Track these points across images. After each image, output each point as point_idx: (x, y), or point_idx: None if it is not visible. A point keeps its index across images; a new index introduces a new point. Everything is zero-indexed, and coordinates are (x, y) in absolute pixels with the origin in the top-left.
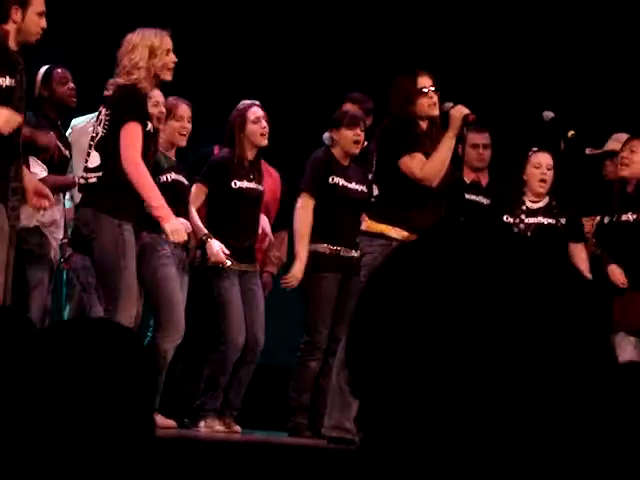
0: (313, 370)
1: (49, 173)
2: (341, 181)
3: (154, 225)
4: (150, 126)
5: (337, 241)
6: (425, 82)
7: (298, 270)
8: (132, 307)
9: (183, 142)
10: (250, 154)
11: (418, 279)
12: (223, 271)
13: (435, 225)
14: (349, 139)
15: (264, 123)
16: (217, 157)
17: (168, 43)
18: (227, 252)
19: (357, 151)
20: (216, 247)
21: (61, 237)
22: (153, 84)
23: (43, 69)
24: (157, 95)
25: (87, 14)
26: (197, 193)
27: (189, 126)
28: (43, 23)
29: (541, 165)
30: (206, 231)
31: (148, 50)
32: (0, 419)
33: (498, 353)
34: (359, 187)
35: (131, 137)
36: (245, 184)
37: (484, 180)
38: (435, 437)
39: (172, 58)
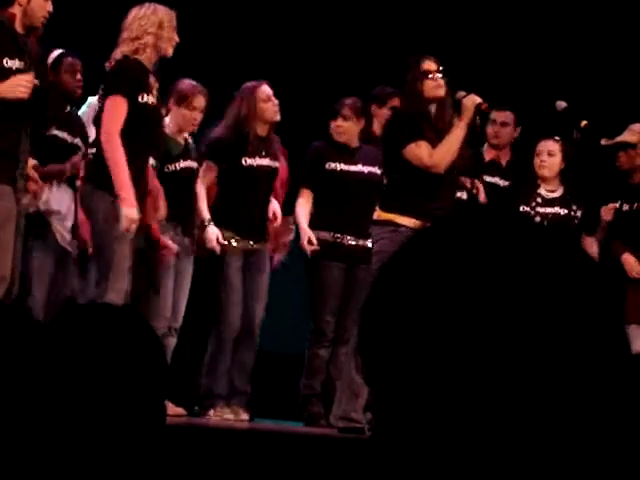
0: (322, 358)
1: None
2: (340, 166)
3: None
4: (148, 98)
5: (340, 229)
6: (430, 66)
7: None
8: (122, 283)
9: (191, 130)
10: (261, 130)
11: (432, 267)
12: (226, 252)
13: (449, 212)
14: (334, 129)
15: (275, 100)
16: (224, 135)
17: (175, 21)
18: (222, 240)
19: (341, 139)
20: (211, 234)
21: (70, 224)
22: (156, 56)
23: (55, 53)
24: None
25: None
26: (205, 171)
27: (200, 117)
28: (49, 7)
29: (541, 152)
30: (207, 216)
31: (159, 21)
32: (10, 412)
33: (512, 342)
34: (367, 169)
35: (111, 111)
36: (257, 161)
37: (504, 159)
38: (448, 425)
39: (176, 36)
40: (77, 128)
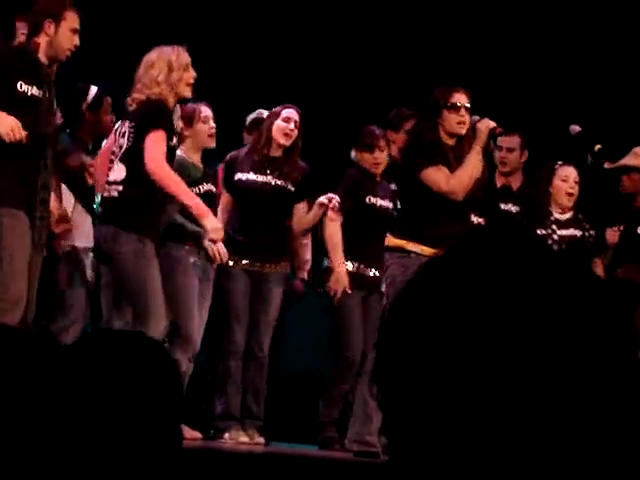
0: (345, 390)
1: (80, 199)
2: (377, 200)
3: (177, 236)
4: (174, 141)
5: (362, 259)
6: (460, 98)
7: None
8: (161, 321)
9: (213, 143)
10: (274, 151)
11: (446, 294)
12: (227, 272)
13: (464, 238)
14: (369, 161)
15: (292, 125)
16: (232, 155)
17: (186, 58)
18: (223, 252)
19: (378, 171)
20: (213, 251)
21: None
22: (174, 100)
23: (93, 92)
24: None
25: (109, 33)
26: (226, 200)
27: (214, 126)
28: (76, 41)
29: (568, 179)
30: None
31: (167, 65)
32: (28, 434)
33: (528, 371)
34: (386, 203)
35: (156, 143)
36: (258, 177)
37: (515, 184)
38: (464, 451)
39: (191, 73)
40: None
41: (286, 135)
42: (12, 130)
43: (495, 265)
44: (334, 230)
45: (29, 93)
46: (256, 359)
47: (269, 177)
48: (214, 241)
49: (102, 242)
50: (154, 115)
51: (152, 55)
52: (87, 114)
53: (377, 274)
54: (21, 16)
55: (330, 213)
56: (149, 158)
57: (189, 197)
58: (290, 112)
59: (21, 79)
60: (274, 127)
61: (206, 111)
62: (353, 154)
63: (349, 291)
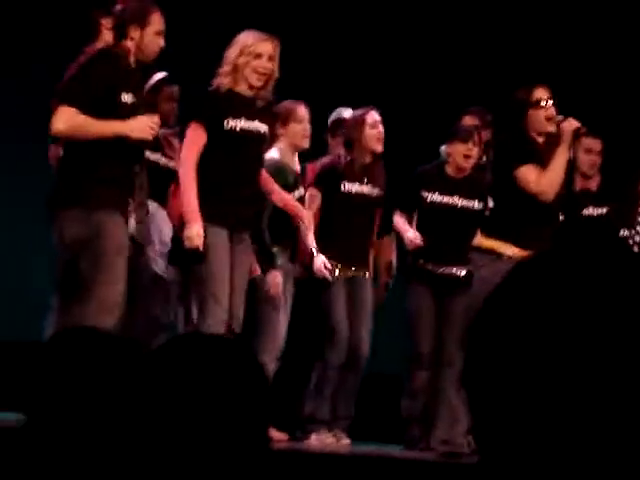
0: (423, 381)
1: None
2: (443, 198)
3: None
4: (235, 123)
5: (433, 257)
6: (542, 94)
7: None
8: (222, 313)
9: (306, 144)
10: (366, 158)
11: (535, 300)
12: (327, 281)
13: (552, 245)
14: (460, 153)
15: (381, 128)
16: (326, 161)
17: (262, 47)
18: (329, 267)
19: (468, 165)
20: (318, 262)
21: (156, 247)
22: (241, 83)
23: (156, 78)
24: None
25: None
26: (313, 197)
27: (309, 127)
28: (161, 42)
29: None
30: (314, 245)
31: (240, 48)
32: (117, 438)
33: (618, 375)
34: (467, 202)
35: (188, 137)
36: (356, 187)
37: (594, 185)
38: (553, 454)
39: (261, 63)
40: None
41: (379, 140)
42: (152, 128)
43: (582, 271)
44: (402, 219)
45: (128, 102)
46: (356, 362)
47: (369, 186)
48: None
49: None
50: (194, 106)
51: (238, 36)
52: (147, 98)
53: (456, 273)
54: (103, 13)
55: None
56: (180, 156)
57: (186, 202)
58: (374, 116)
59: (123, 90)
60: (366, 136)
61: (302, 111)
62: (443, 148)
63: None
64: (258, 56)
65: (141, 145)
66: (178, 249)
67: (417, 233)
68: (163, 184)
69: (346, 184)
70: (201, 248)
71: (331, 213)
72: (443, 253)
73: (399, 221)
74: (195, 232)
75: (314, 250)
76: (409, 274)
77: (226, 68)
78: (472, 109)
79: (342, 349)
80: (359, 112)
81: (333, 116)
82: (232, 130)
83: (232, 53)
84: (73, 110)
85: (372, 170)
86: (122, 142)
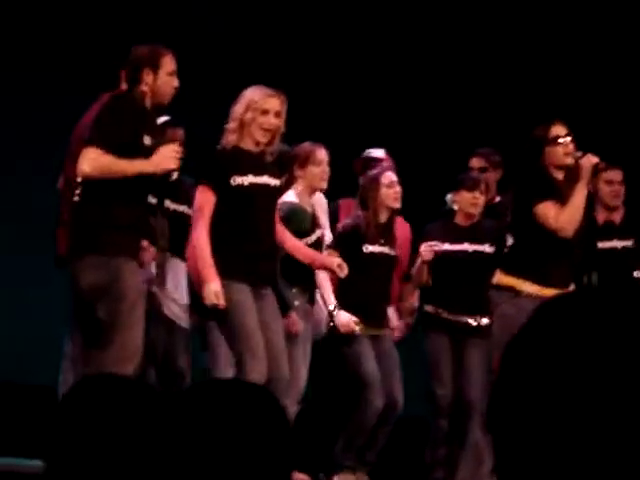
0: (443, 428)
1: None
2: (448, 246)
3: (286, 278)
4: (241, 180)
5: (450, 307)
6: (559, 131)
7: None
8: (260, 365)
9: (324, 186)
10: (383, 217)
11: (561, 343)
12: (353, 336)
13: (575, 287)
14: (467, 201)
15: (397, 188)
16: (348, 222)
17: (269, 104)
18: (356, 320)
19: (476, 212)
20: (345, 318)
21: (176, 296)
22: (247, 139)
23: (160, 120)
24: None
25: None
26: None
27: (328, 170)
28: (175, 82)
29: None
30: (334, 302)
31: (246, 104)
32: None
33: None
34: (478, 247)
35: (197, 200)
36: (377, 248)
37: (618, 218)
38: None
39: (268, 119)
40: (183, 195)
41: (396, 199)
42: (174, 157)
43: (607, 312)
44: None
45: (146, 143)
46: (391, 413)
47: (387, 247)
48: (301, 295)
49: (194, 285)
50: (200, 167)
51: (245, 91)
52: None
53: (477, 321)
54: (123, 64)
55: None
56: (193, 219)
57: (202, 262)
58: (390, 176)
59: (144, 133)
60: (382, 196)
61: (321, 154)
62: (449, 197)
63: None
64: (265, 112)
65: (168, 177)
66: (199, 301)
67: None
68: (184, 233)
69: (368, 246)
70: (221, 305)
71: (351, 274)
72: (459, 301)
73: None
74: (212, 290)
75: (333, 307)
76: (426, 322)
77: (232, 125)
78: (479, 151)
79: (379, 406)
80: (374, 172)
81: (363, 155)
82: (240, 187)
83: (239, 109)
84: (98, 151)
85: (389, 229)
86: (138, 188)
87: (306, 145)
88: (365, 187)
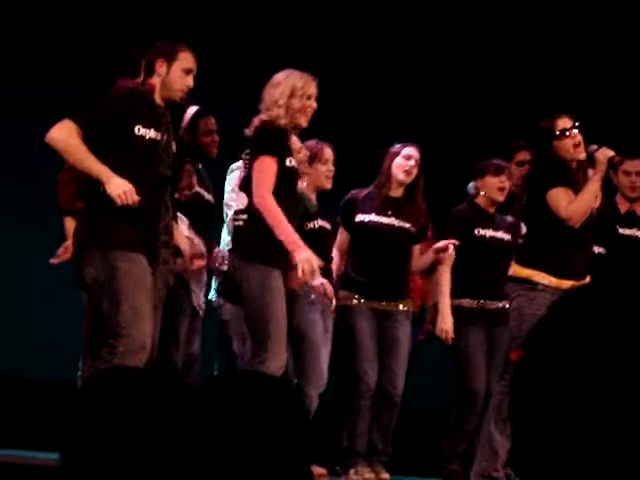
0: (474, 423)
1: (190, 217)
2: (488, 232)
3: None
4: (292, 162)
5: (481, 294)
6: (565, 123)
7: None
8: (282, 354)
9: (329, 184)
10: (394, 192)
11: (583, 332)
12: (352, 310)
13: (595, 275)
14: (494, 186)
15: (412, 162)
16: (352, 194)
17: (311, 88)
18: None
19: (502, 198)
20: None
21: (203, 282)
22: (290, 125)
23: (190, 113)
24: (296, 141)
25: (235, 61)
26: (344, 239)
27: (333, 169)
28: (189, 82)
29: None
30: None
31: (290, 89)
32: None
33: None
34: (506, 236)
35: (262, 171)
36: (385, 219)
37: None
38: None
39: (311, 104)
40: (208, 184)
41: (405, 172)
42: (125, 193)
43: (628, 303)
44: (445, 276)
45: (147, 137)
46: (390, 398)
47: (391, 218)
48: (307, 273)
49: (231, 272)
50: (263, 139)
51: (280, 75)
52: (184, 136)
53: (500, 306)
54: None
55: (443, 257)
56: (255, 192)
57: (285, 233)
58: (410, 150)
59: (139, 123)
60: (394, 164)
61: (328, 153)
62: (472, 184)
63: (452, 335)
64: (309, 97)
65: (159, 184)
66: (231, 286)
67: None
68: (206, 219)
69: (359, 215)
70: (317, 272)
71: (354, 244)
72: (489, 287)
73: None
74: (309, 256)
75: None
76: (456, 313)
77: (279, 111)
78: (525, 144)
79: (371, 383)
80: (399, 146)
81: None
82: (293, 168)
83: (282, 95)
84: (73, 126)
85: (402, 203)
86: (141, 180)
87: (313, 143)
88: (386, 158)
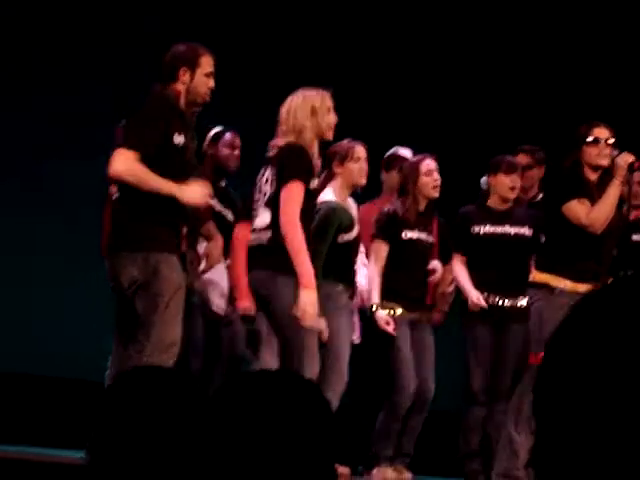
0: (476, 416)
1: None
2: (483, 228)
3: (332, 274)
4: (315, 183)
5: (490, 289)
6: (601, 133)
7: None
8: (316, 365)
9: (363, 181)
10: (422, 205)
11: (606, 331)
12: (393, 320)
13: (617, 278)
14: (505, 185)
15: (436, 175)
16: (387, 210)
17: (329, 102)
18: (391, 324)
19: (512, 197)
20: (382, 321)
21: (223, 292)
22: (317, 142)
23: (215, 129)
24: (361, 150)
25: (252, 76)
26: (379, 250)
27: (366, 166)
28: (211, 83)
29: None
30: (376, 300)
31: (310, 110)
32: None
33: None
34: (519, 230)
35: (292, 196)
36: (416, 234)
37: None
38: None
39: (333, 117)
40: (230, 202)
41: (435, 188)
42: (200, 196)
43: None
44: (463, 270)
45: (181, 143)
46: (422, 404)
47: (422, 234)
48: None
49: (258, 288)
50: (292, 164)
51: (296, 98)
52: (207, 148)
53: (514, 303)
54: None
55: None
56: (283, 212)
57: (304, 266)
58: (430, 163)
59: (175, 131)
60: (421, 185)
61: (360, 151)
62: (484, 179)
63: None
64: (328, 110)
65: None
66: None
67: (480, 294)
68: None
69: (407, 232)
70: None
71: (391, 259)
72: (501, 284)
73: (460, 273)
74: (314, 299)
75: (375, 305)
76: (465, 308)
77: (306, 133)
78: (524, 147)
79: (409, 393)
80: (414, 159)
81: (389, 152)
82: (314, 190)
83: (304, 117)
84: (132, 154)
85: (427, 217)
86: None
87: (345, 142)
88: (404, 174)
